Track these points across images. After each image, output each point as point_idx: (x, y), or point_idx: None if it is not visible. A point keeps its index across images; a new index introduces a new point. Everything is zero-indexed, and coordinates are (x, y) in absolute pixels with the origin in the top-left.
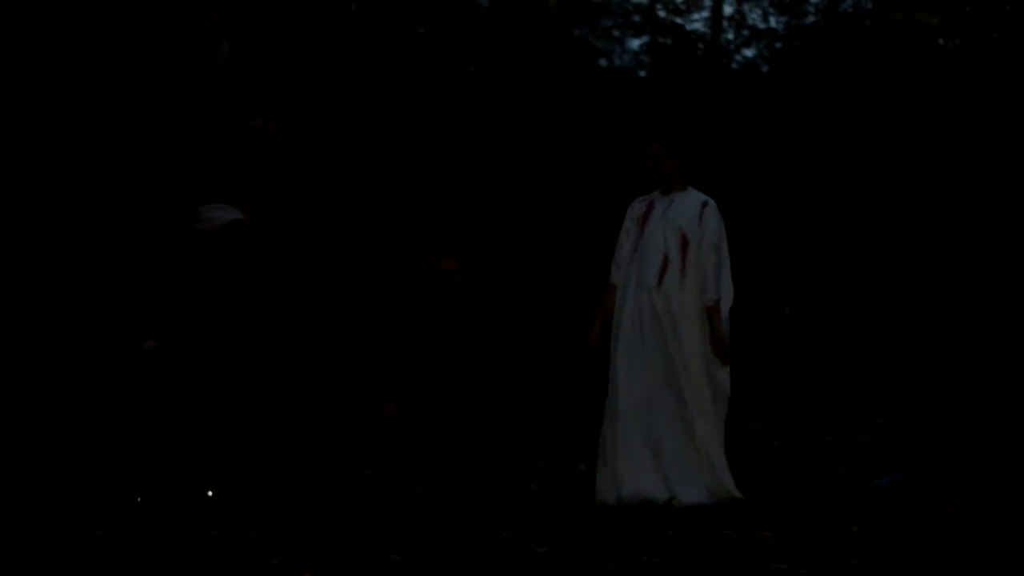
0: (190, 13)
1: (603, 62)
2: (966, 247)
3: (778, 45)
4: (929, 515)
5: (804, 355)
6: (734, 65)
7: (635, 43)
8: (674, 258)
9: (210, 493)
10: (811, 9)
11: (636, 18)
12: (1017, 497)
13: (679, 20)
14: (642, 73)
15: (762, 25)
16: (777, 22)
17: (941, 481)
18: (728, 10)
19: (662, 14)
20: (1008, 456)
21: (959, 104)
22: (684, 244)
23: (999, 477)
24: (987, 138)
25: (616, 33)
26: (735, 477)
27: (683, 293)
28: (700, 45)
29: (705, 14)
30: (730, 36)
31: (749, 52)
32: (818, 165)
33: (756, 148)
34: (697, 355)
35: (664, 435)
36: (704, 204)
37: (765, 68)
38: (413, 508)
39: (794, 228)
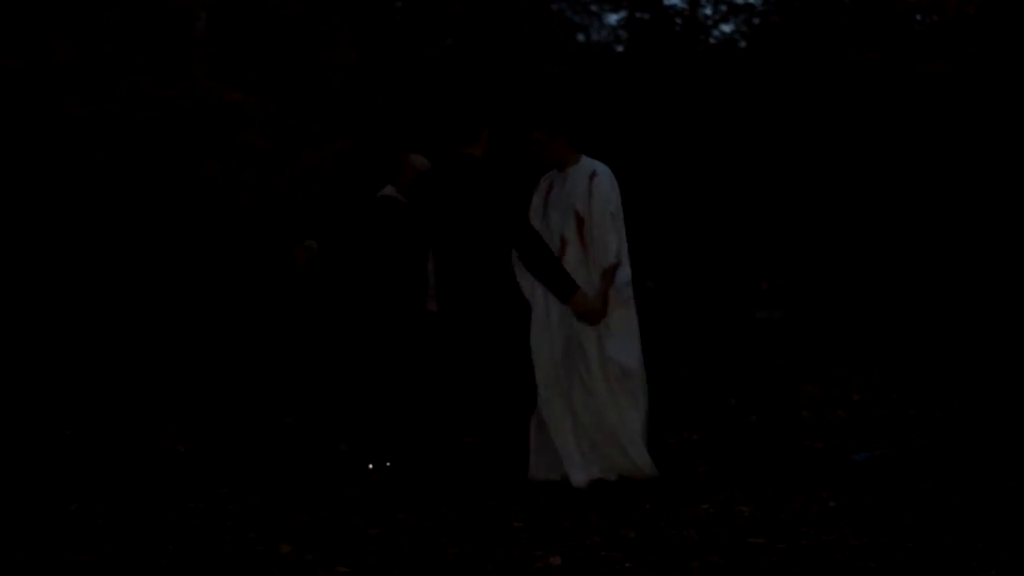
0: None
1: (581, 37)
2: (944, 222)
3: (756, 21)
4: (906, 491)
5: (781, 331)
6: (712, 40)
7: (613, 18)
8: (571, 238)
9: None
10: None
11: None
12: (995, 473)
13: None
14: (620, 48)
15: (740, 0)
16: None
17: (918, 457)
18: None
19: None
20: (987, 432)
21: (936, 80)
22: (579, 222)
23: (978, 453)
24: (964, 113)
25: (594, 8)
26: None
27: (586, 270)
28: (678, 20)
29: None
30: (708, 11)
31: (727, 27)
32: (796, 140)
33: (734, 123)
34: (605, 333)
35: (579, 414)
36: (592, 176)
37: (743, 43)
38: (390, 482)
39: (772, 204)
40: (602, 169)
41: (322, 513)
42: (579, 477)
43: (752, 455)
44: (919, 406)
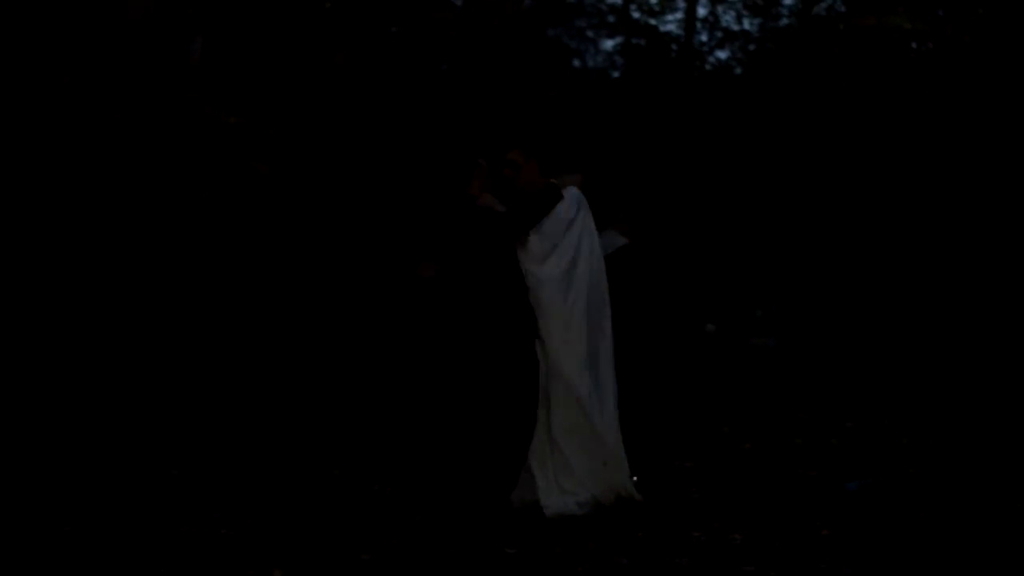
0: (163, 10)
1: (577, 62)
2: (938, 250)
3: (751, 47)
4: (899, 520)
5: (775, 358)
6: (707, 67)
7: (609, 44)
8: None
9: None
10: (785, 12)
11: (610, 19)
12: (988, 503)
13: (653, 21)
14: (616, 74)
15: (736, 27)
16: (751, 24)
17: (911, 486)
18: (702, 12)
19: (636, 15)
20: (979, 460)
21: (931, 107)
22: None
23: (970, 482)
24: (959, 141)
25: (590, 34)
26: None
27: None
28: (674, 46)
29: (679, 15)
30: (704, 38)
31: (723, 54)
32: (791, 167)
33: (729, 150)
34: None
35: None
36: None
37: (739, 70)
38: (384, 508)
39: (766, 231)
40: (571, 192)
41: (315, 538)
42: (552, 506)
43: (745, 483)
44: (912, 434)
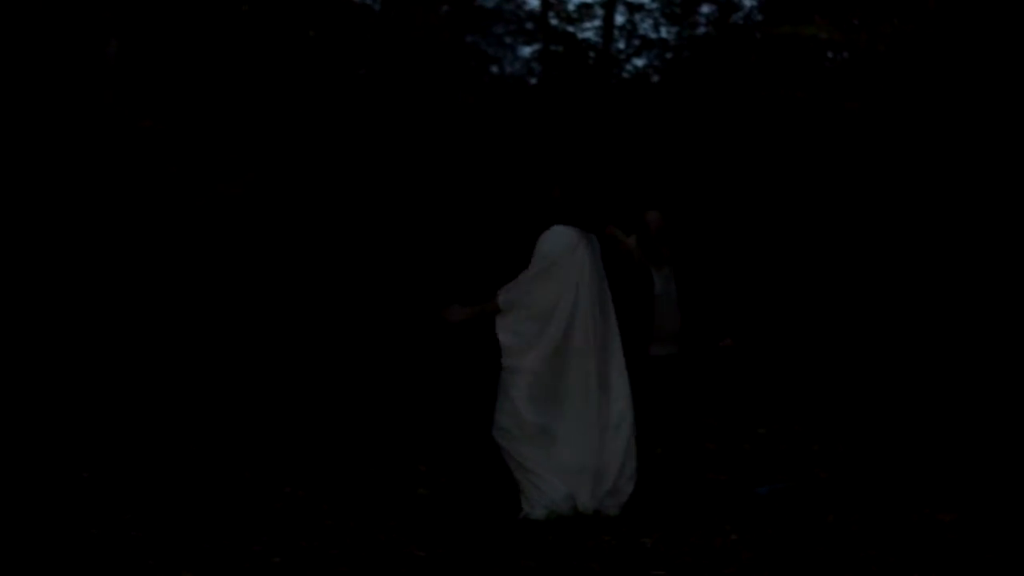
0: (79, 11)
1: (494, 69)
2: (855, 257)
3: (669, 55)
4: (808, 524)
5: (680, 365)
6: (625, 74)
7: (526, 50)
8: None
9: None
10: (702, 20)
11: (528, 25)
12: (896, 506)
13: (571, 28)
14: (533, 80)
15: (653, 35)
16: (668, 32)
17: (821, 490)
18: (620, 19)
19: (554, 22)
20: (888, 465)
21: (846, 116)
22: None
23: (878, 486)
24: (875, 149)
25: (508, 40)
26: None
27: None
28: (591, 54)
29: (597, 23)
30: (621, 45)
31: (640, 62)
32: (708, 175)
33: (645, 157)
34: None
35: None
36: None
37: (656, 78)
38: (293, 510)
39: (681, 239)
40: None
41: (225, 541)
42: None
43: (656, 487)
44: (822, 440)
